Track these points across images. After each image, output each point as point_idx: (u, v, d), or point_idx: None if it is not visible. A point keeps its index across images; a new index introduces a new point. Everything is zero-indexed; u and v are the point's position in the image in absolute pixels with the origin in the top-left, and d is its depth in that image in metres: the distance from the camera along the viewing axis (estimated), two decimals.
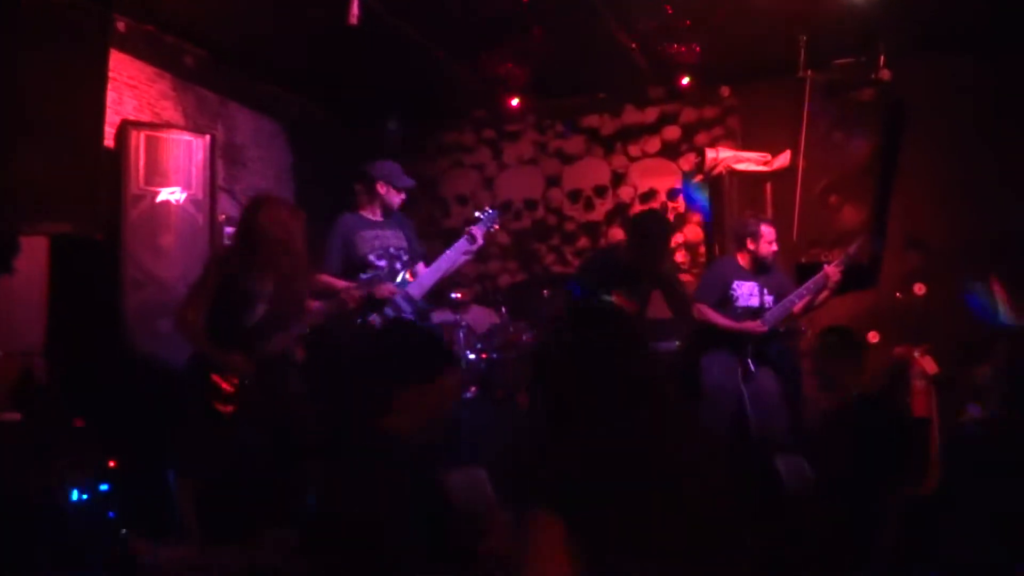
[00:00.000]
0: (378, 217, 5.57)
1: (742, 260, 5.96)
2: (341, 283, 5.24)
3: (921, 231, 6.68)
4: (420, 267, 5.57)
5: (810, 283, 5.79)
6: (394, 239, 5.56)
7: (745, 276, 5.91)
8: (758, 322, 5.76)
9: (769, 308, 5.83)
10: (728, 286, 5.87)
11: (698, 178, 7.41)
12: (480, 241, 5.59)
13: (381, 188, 5.53)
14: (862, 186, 6.64)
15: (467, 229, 5.61)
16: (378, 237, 5.51)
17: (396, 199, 5.57)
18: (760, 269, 5.92)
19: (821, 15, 5.99)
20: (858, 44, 6.56)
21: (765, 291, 5.89)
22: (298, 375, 5.05)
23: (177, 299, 4.99)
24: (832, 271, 5.76)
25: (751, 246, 5.89)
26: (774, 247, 5.91)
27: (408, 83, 7.33)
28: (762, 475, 4.94)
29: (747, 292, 5.89)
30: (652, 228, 5.97)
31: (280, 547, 4.06)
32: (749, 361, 5.72)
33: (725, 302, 5.85)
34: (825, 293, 5.81)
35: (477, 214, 5.73)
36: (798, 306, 5.80)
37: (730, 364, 5.74)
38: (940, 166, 6.64)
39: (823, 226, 6.68)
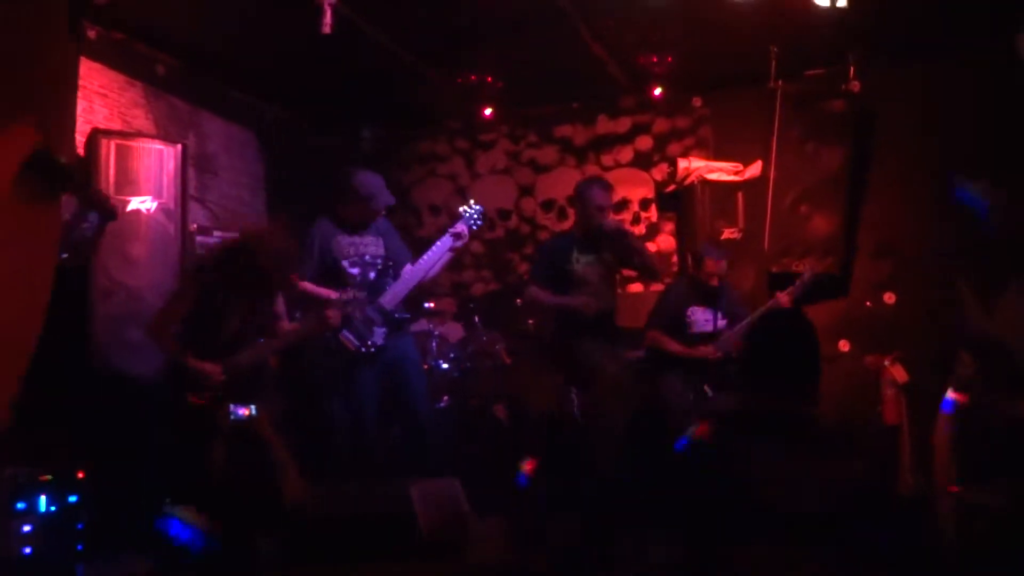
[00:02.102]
0: (356, 224, 5.53)
1: (694, 285, 6.01)
2: (323, 291, 5.19)
3: (891, 240, 6.72)
4: (406, 268, 5.51)
5: (762, 311, 5.92)
6: (372, 247, 5.51)
7: (699, 301, 5.95)
8: (711, 348, 5.80)
9: (722, 332, 5.87)
10: (682, 312, 5.92)
11: (670, 188, 7.43)
12: (466, 238, 5.55)
13: (358, 204, 5.49)
14: (833, 196, 6.70)
15: (450, 229, 5.56)
16: (354, 244, 5.47)
17: (372, 217, 5.53)
18: (712, 294, 5.95)
19: (791, 27, 6.02)
20: (828, 56, 6.63)
21: (719, 315, 5.93)
22: (274, 387, 5.03)
23: (148, 308, 4.96)
24: (783, 298, 5.82)
25: (700, 275, 6.02)
26: (715, 281, 6.01)
27: (381, 92, 7.33)
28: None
29: (701, 318, 5.93)
30: (586, 189, 5.89)
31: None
32: (706, 388, 5.74)
33: (679, 328, 5.89)
34: None
35: (462, 209, 5.66)
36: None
37: (683, 387, 5.76)
38: (910, 176, 6.69)
39: (794, 235, 6.73)
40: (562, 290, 5.66)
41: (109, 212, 4.66)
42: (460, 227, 5.52)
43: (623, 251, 5.75)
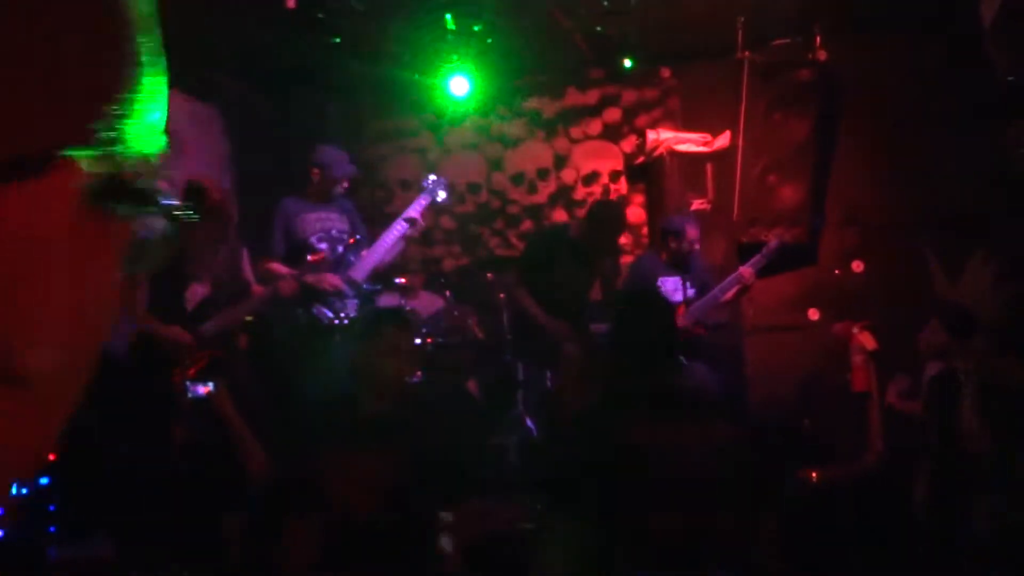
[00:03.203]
0: (320, 200, 5.52)
1: (663, 257, 6.03)
2: (284, 270, 5.19)
3: (859, 209, 6.77)
4: (363, 250, 5.53)
5: (724, 283, 5.92)
6: (337, 222, 5.52)
7: (668, 272, 5.98)
8: (680, 316, 5.84)
9: (692, 301, 5.92)
10: (652, 284, 5.94)
11: (639, 160, 7.44)
12: (421, 222, 5.56)
13: (315, 175, 5.49)
14: (800, 165, 6.71)
15: (405, 213, 5.57)
16: (320, 219, 5.47)
17: (336, 187, 5.53)
18: (681, 265, 5.99)
19: None
20: (795, 25, 6.64)
21: (688, 285, 5.97)
22: (244, 361, 5.02)
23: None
24: (747, 272, 5.85)
25: (673, 244, 5.97)
26: (696, 246, 6.00)
27: (348, 67, 7.26)
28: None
29: (671, 288, 5.97)
30: (608, 215, 6.05)
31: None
32: (680, 356, 5.78)
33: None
34: (733, 292, 5.92)
35: (424, 183, 5.67)
36: (722, 299, 5.89)
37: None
38: (877, 145, 6.73)
39: (763, 205, 6.75)
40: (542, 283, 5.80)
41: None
42: (412, 212, 5.54)
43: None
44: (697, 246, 6.02)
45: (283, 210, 5.46)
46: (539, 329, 5.89)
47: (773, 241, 6.03)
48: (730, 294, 5.90)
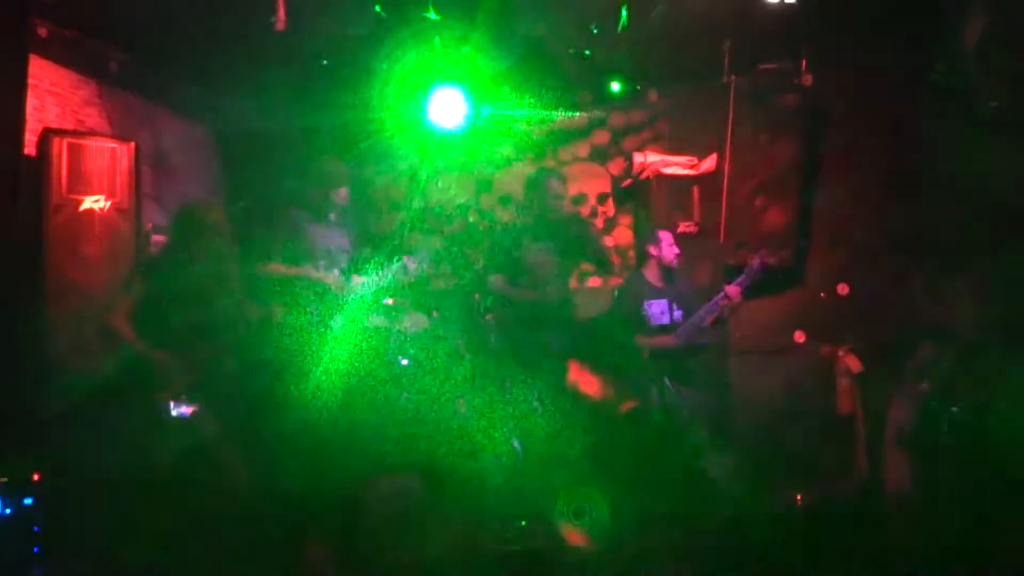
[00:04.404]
0: (323, 212, 5.56)
1: (650, 274, 6.06)
2: (294, 270, 5.24)
3: (845, 231, 6.80)
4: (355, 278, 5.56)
5: (710, 304, 5.94)
6: (339, 239, 5.58)
7: (655, 294, 6.01)
8: (670, 337, 5.87)
9: (679, 323, 5.94)
10: (640, 307, 5.98)
11: (626, 182, 7.48)
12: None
13: (326, 192, 5.55)
14: (787, 188, 6.76)
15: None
16: (324, 236, 5.52)
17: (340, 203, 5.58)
18: (668, 279, 6.01)
19: (745, 21, 6.08)
20: (781, 50, 6.70)
21: (674, 307, 6.01)
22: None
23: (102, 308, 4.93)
24: (732, 291, 5.88)
25: (654, 252, 6.04)
26: (676, 250, 6.06)
27: (338, 87, 7.29)
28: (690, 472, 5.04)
29: (658, 311, 6.00)
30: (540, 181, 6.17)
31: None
32: (667, 379, 5.78)
33: (639, 323, 5.95)
34: (720, 309, 5.94)
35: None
36: (707, 321, 5.91)
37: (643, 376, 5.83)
38: (863, 168, 6.75)
39: (749, 228, 6.78)
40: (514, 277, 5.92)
41: None
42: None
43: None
44: (676, 252, 6.09)
45: (290, 218, 5.52)
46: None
47: (756, 261, 6.05)
48: (715, 315, 5.92)
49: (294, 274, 5.21)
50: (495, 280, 6.03)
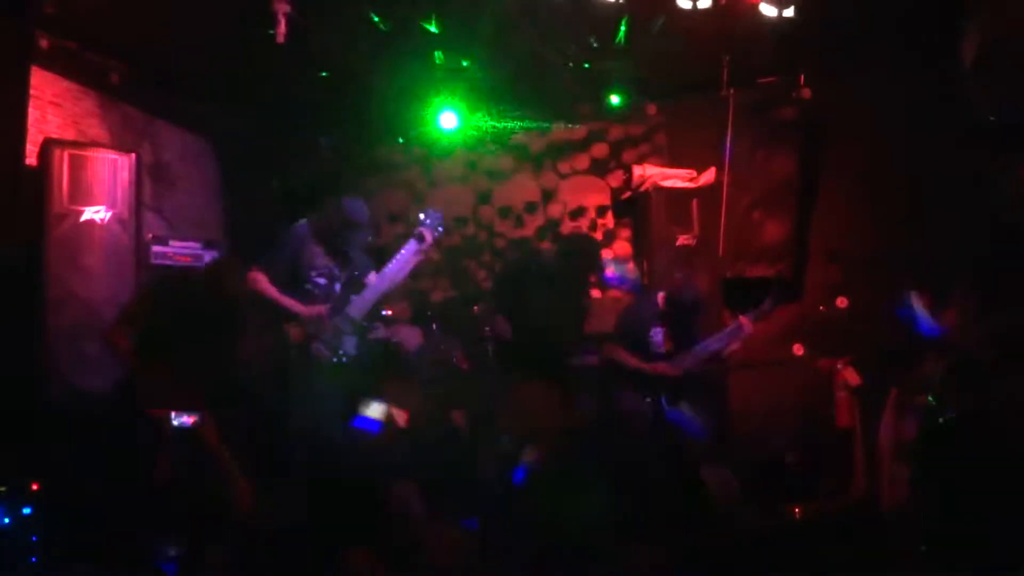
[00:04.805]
0: (331, 243, 5.51)
1: (656, 300, 5.99)
2: (287, 301, 5.20)
3: (843, 245, 6.81)
4: (371, 276, 5.50)
5: (723, 334, 5.85)
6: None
7: (662, 319, 5.95)
8: (669, 364, 5.78)
9: (676, 352, 5.86)
10: (646, 331, 5.90)
11: (626, 195, 7.50)
12: (429, 240, 5.54)
13: (342, 231, 5.47)
14: (784, 202, 6.79)
15: (415, 231, 5.57)
16: (323, 256, 5.47)
17: (350, 244, 5.55)
18: (672, 308, 5.93)
19: (743, 35, 6.10)
20: (779, 64, 6.73)
21: (674, 335, 5.91)
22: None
23: (102, 320, 4.95)
24: (747, 323, 5.78)
25: (663, 290, 6.01)
26: (689, 292, 5.96)
27: (338, 100, 7.32)
28: (688, 485, 5.04)
29: (660, 340, 5.89)
30: (580, 245, 6.10)
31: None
32: (663, 400, 5.74)
33: (641, 347, 5.88)
34: (737, 344, 5.86)
35: (422, 216, 5.65)
36: (711, 352, 5.84)
37: (639, 395, 5.79)
38: (861, 181, 6.77)
39: (748, 241, 6.82)
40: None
41: None
42: (422, 231, 5.53)
43: None
44: (688, 292, 5.96)
45: (295, 236, 5.46)
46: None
47: (768, 302, 5.91)
48: (734, 347, 5.86)
49: (287, 306, 5.17)
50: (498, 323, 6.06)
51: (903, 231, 6.54)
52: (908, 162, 6.51)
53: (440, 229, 5.64)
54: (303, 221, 5.51)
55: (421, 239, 5.49)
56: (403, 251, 5.49)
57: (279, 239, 5.41)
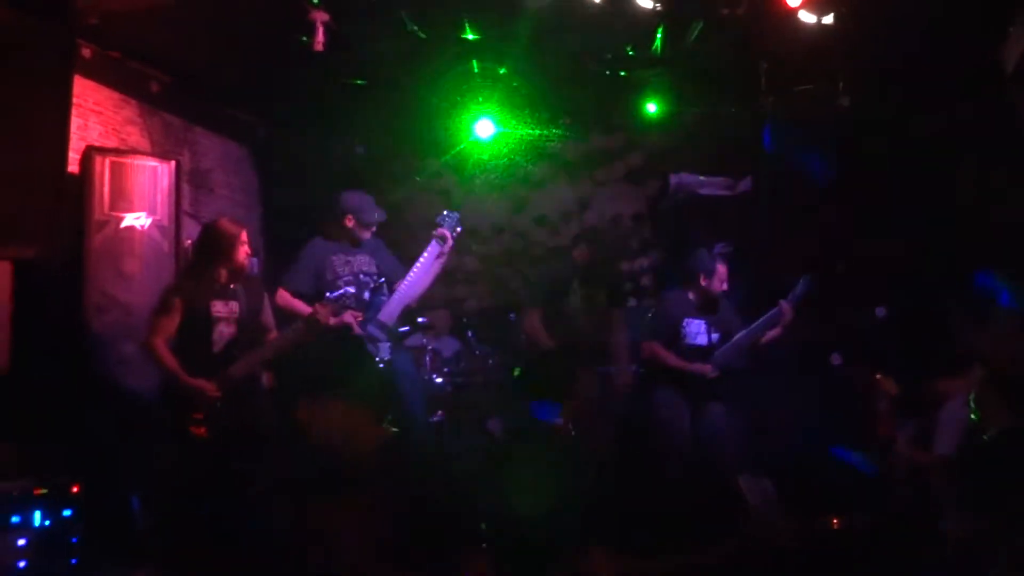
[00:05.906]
0: (351, 243, 5.54)
1: (692, 296, 5.94)
2: (303, 306, 5.19)
3: (882, 254, 6.74)
4: (400, 283, 5.51)
5: (763, 320, 5.78)
6: (365, 264, 5.51)
7: (694, 313, 5.89)
8: (708, 366, 5.75)
9: (716, 346, 5.83)
10: (678, 324, 5.86)
11: (662, 203, 7.48)
12: (450, 241, 5.54)
13: (348, 222, 5.50)
14: (823, 210, 6.74)
15: (434, 233, 5.56)
16: (348, 263, 5.47)
17: (364, 233, 5.55)
18: (709, 306, 5.92)
19: (781, 43, 6.08)
20: (818, 72, 6.68)
21: (712, 329, 5.89)
22: (269, 400, 5.06)
23: (142, 324, 4.99)
24: (786, 307, 5.73)
25: (704, 283, 5.87)
26: (725, 286, 5.91)
27: (375, 109, 7.36)
28: (725, 494, 5.00)
29: (695, 331, 5.85)
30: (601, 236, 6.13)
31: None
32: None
33: (674, 339, 5.85)
34: (777, 331, 5.81)
35: (438, 219, 5.66)
36: (748, 343, 5.81)
37: (678, 400, 5.76)
38: (902, 191, 6.69)
39: (785, 249, 6.77)
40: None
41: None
42: (442, 231, 5.53)
43: None
44: (726, 287, 5.93)
45: (312, 249, 5.48)
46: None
47: (802, 282, 5.89)
48: (773, 333, 5.81)
49: (298, 311, 5.19)
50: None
51: (944, 242, 6.45)
52: (950, 173, 6.43)
53: (459, 229, 5.63)
54: (317, 237, 5.55)
55: (443, 240, 5.49)
56: (426, 254, 5.49)
57: (298, 254, 5.45)
